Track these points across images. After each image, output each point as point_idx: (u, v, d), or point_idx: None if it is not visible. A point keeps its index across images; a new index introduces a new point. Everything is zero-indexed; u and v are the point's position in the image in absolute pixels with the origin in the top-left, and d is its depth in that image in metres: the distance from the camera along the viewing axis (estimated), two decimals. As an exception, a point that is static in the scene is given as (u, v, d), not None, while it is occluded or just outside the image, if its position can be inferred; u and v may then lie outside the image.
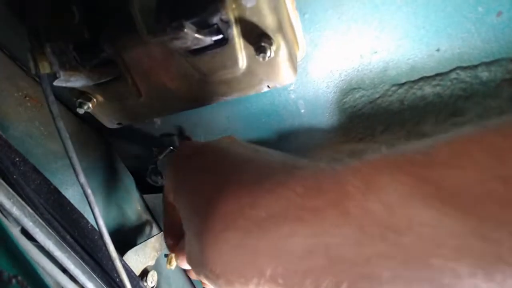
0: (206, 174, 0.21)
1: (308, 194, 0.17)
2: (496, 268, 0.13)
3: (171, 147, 0.36)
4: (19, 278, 0.16)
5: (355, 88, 0.34)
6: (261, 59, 0.25)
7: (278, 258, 0.16)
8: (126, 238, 0.40)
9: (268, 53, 0.25)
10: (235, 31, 0.25)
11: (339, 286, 0.15)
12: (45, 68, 0.24)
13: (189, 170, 0.23)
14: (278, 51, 0.26)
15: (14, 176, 0.27)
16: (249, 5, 0.24)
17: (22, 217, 0.26)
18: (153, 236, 0.42)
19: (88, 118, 0.37)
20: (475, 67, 0.31)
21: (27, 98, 0.34)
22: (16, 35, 0.32)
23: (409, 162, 0.15)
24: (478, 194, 0.13)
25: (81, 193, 0.36)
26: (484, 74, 0.31)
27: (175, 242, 0.29)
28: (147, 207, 0.44)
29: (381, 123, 0.35)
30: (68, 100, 0.32)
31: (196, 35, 0.22)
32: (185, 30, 0.21)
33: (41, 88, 0.35)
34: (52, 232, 0.28)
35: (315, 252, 0.16)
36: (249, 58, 0.27)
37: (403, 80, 0.32)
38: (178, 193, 0.24)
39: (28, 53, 0.24)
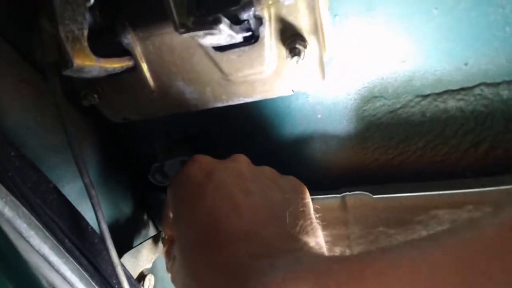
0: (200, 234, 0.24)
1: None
2: None
3: (181, 158, 0.34)
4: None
5: (376, 97, 0.32)
6: (294, 61, 0.23)
7: None
8: (123, 239, 0.37)
9: (302, 55, 0.23)
10: (267, 29, 0.23)
11: None
12: (55, 55, 0.21)
13: (189, 206, 0.26)
14: (310, 54, 0.24)
15: (9, 173, 0.24)
16: (287, 2, 0.22)
17: (15, 219, 0.24)
18: (150, 238, 0.39)
19: (89, 111, 0.34)
20: (497, 84, 0.31)
21: (24, 84, 0.30)
22: (11, 14, 0.29)
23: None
24: None
25: (77, 190, 0.33)
26: (504, 93, 0.31)
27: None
28: (146, 207, 0.41)
29: (399, 134, 0.34)
30: (69, 90, 0.29)
31: (230, 32, 0.20)
32: (221, 25, 0.19)
33: (39, 74, 0.32)
34: (49, 235, 0.25)
35: None
36: (278, 59, 0.25)
37: (428, 92, 0.31)
38: (177, 222, 0.27)
39: (37, 37, 0.21)
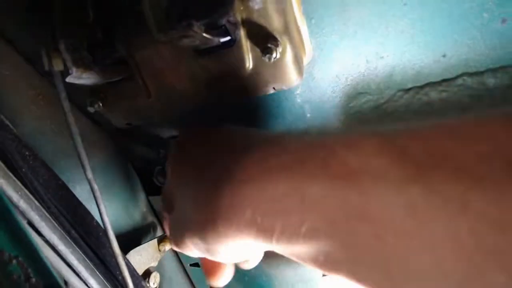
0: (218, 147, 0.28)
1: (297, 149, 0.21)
2: None
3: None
4: (20, 259, 0.17)
5: (361, 93, 0.34)
6: (267, 60, 0.26)
7: (259, 201, 0.20)
8: (130, 238, 0.40)
9: (274, 54, 0.26)
10: (242, 33, 0.26)
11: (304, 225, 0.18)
12: (58, 65, 0.25)
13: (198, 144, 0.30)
14: (284, 53, 0.27)
15: (23, 170, 0.27)
16: (256, 7, 0.25)
17: (29, 210, 0.27)
18: (157, 237, 0.42)
19: (97, 118, 0.38)
20: (481, 73, 0.31)
21: (40, 97, 0.35)
22: (31, 35, 0.33)
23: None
24: None
25: (87, 190, 0.36)
26: (490, 81, 0.31)
27: None
28: (152, 208, 0.44)
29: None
30: (80, 100, 0.33)
31: (205, 34, 0.23)
32: (194, 28, 0.22)
33: (54, 88, 0.36)
34: (58, 227, 0.28)
35: (290, 195, 0.18)
36: (255, 59, 0.27)
37: (409, 86, 0.32)
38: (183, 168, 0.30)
39: (42, 49, 0.25)
